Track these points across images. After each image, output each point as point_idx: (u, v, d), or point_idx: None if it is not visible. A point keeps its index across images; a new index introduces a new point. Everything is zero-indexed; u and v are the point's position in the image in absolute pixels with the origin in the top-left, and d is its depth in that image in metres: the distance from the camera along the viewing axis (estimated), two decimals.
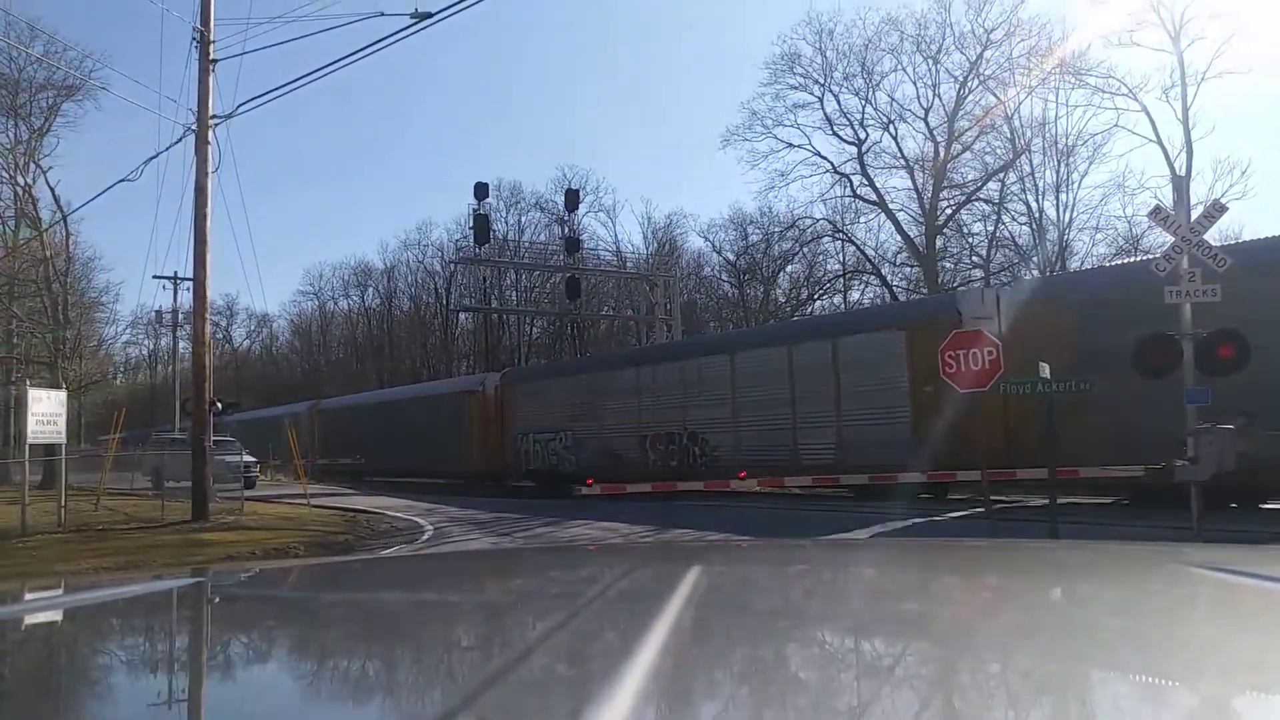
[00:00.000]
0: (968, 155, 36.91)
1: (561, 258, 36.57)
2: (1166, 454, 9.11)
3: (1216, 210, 10.00)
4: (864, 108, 38.10)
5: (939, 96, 36.85)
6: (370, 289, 64.95)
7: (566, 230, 44.12)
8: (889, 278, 40.89)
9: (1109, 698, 0.84)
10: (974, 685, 0.91)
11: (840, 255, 43.80)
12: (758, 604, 1.38)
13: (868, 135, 38.17)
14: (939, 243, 37.69)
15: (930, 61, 36.77)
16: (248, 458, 23.07)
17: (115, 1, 75.66)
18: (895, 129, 37.89)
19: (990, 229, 37.76)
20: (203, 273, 16.18)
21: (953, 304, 16.71)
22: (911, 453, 15.14)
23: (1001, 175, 36.20)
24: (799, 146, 39.22)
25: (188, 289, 29.53)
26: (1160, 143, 31.46)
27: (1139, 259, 13.55)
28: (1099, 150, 34.52)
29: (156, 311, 43.47)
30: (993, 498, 13.34)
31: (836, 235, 41.47)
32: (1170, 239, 9.38)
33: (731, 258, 48.32)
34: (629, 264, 43.31)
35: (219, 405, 16.72)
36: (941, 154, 36.62)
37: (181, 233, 38.31)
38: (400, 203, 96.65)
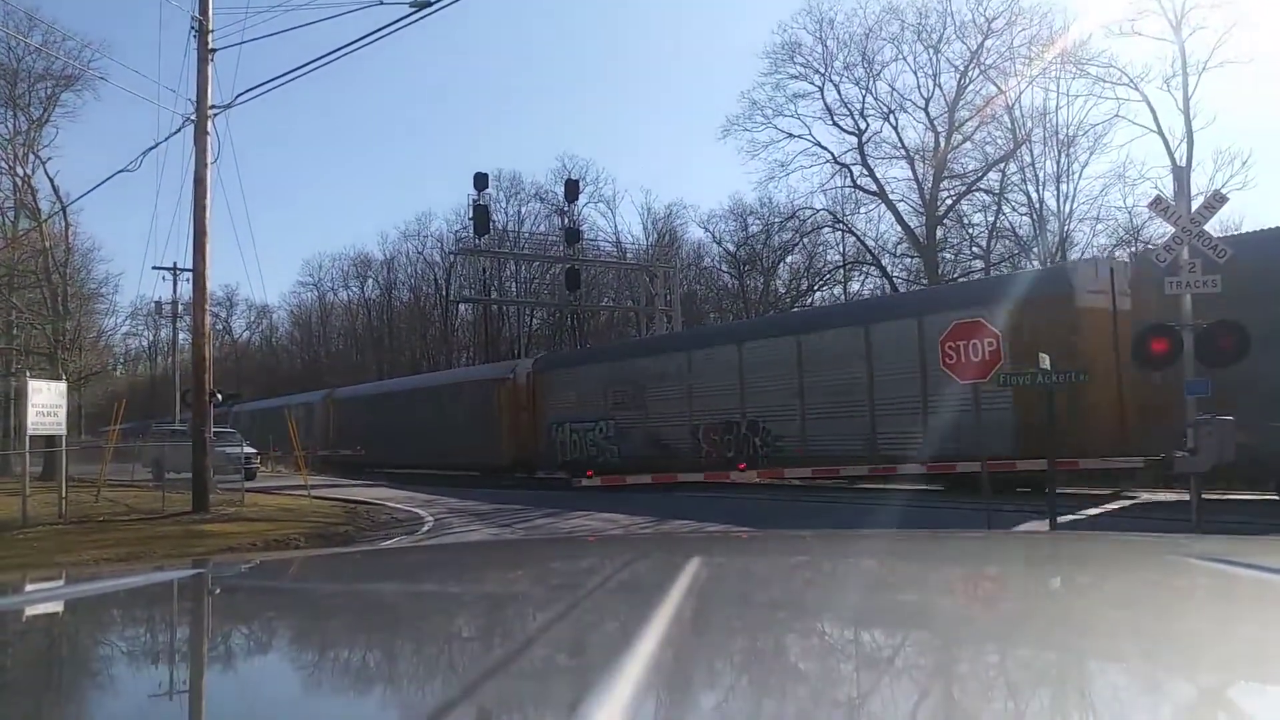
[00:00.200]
0: (968, 145, 36.86)
1: (561, 249, 36.50)
2: None
3: (1217, 201, 10.00)
4: (864, 97, 38.03)
5: (939, 86, 36.77)
6: (370, 280, 65.03)
7: (566, 221, 44.06)
8: (889, 269, 40.90)
9: (1108, 688, 0.84)
10: (973, 676, 0.92)
11: (840, 246, 43.83)
12: (757, 595, 1.38)
13: (868, 125, 38.11)
14: (939, 233, 37.64)
15: (931, 50, 36.68)
16: (248, 449, 23.08)
17: None
18: (896, 119, 37.82)
19: (991, 220, 37.75)
20: (202, 264, 16.17)
21: (1065, 277, 15.09)
22: (1015, 442, 13.89)
23: (1002, 165, 36.14)
24: (799, 136, 39.17)
25: (187, 280, 29.61)
26: (1161, 133, 31.41)
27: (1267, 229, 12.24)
28: (1100, 140, 34.51)
29: (156, 302, 43.56)
30: (1122, 491, 12.52)
31: (837, 226, 41.45)
32: (1171, 230, 9.38)
33: (731, 248, 48.33)
34: (629, 255, 43.25)
35: (219, 397, 16.73)
36: (942, 144, 36.53)
37: (181, 223, 38.33)
38: (400, 193, 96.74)
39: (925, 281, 35.70)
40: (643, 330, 37.42)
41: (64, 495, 15.64)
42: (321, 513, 16.02)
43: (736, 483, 17.57)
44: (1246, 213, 41.15)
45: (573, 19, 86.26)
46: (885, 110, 37.79)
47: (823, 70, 38.18)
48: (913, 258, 39.52)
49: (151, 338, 62.10)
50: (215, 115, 16.10)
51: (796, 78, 38.57)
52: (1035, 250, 35.82)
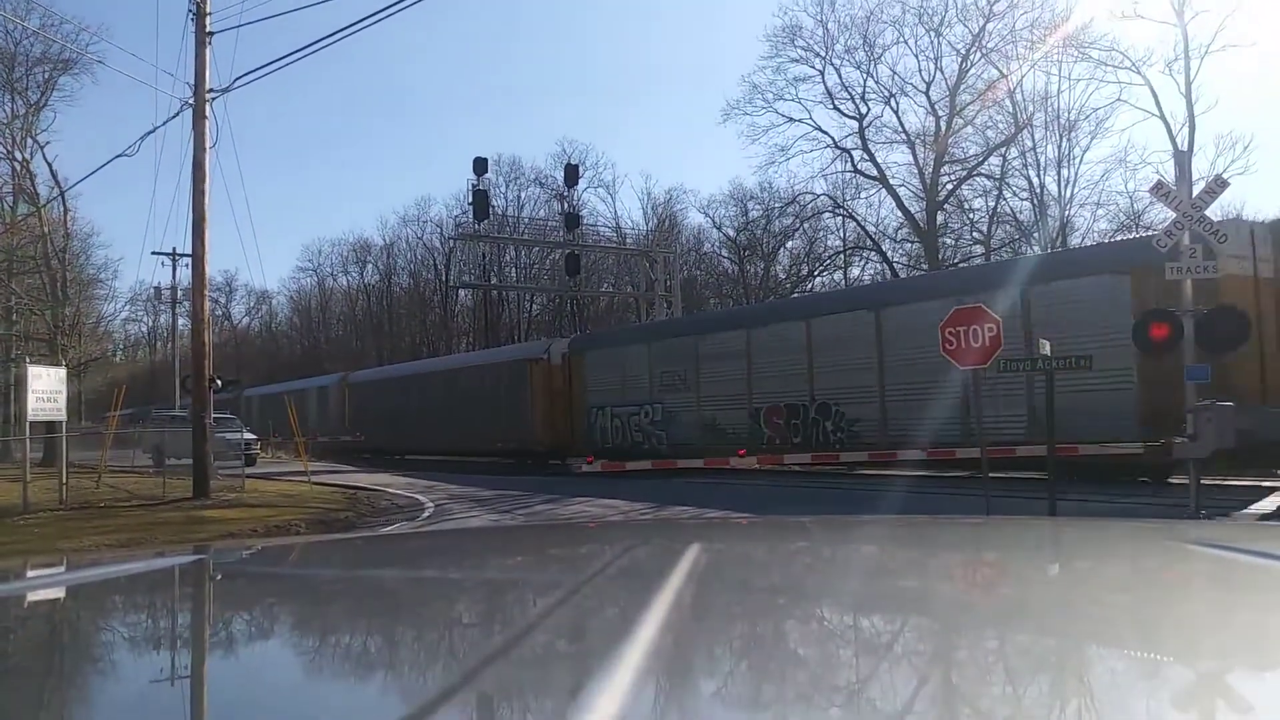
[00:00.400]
0: (969, 130, 36.81)
1: (561, 234, 36.45)
2: None
3: (1218, 185, 9.98)
4: (865, 81, 37.94)
5: (941, 70, 36.68)
6: (369, 265, 65.05)
7: (566, 206, 44.02)
8: (889, 254, 40.87)
9: (1106, 673, 0.85)
10: (972, 661, 0.92)
11: (841, 231, 43.84)
12: (757, 581, 1.38)
13: (869, 109, 38.02)
14: (940, 218, 37.58)
15: (932, 34, 36.56)
16: (248, 435, 23.09)
17: None
18: (896, 103, 37.74)
19: (991, 204, 37.72)
20: (201, 249, 16.14)
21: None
22: (1137, 426, 12.72)
23: (1003, 150, 36.07)
24: (800, 121, 39.10)
25: (187, 265, 29.57)
26: (1163, 117, 31.34)
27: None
28: (1101, 125, 34.46)
29: (155, 288, 43.63)
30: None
31: (837, 211, 41.44)
32: (1172, 214, 9.36)
33: (732, 233, 48.27)
34: (629, 240, 43.22)
35: (219, 383, 16.74)
36: (943, 128, 36.44)
37: (180, 208, 38.21)
38: (399, 178, 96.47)
39: (926, 267, 35.65)
40: (642, 316, 37.40)
41: (65, 481, 15.67)
42: (322, 499, 16.07)
43: (736, 469, 17.54)
44: (1247, 198, 41.17)
45: (573, 2, 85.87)
46: (886, 94, 37.74)
47: (823, 53, 38.13)
48: (913, 243, 39.49)
49: (151, 323, 62.16)
50: (214, 99, 16.05)
51: (797, 61, 38.52)
52: (1036, 235, 35.79)
